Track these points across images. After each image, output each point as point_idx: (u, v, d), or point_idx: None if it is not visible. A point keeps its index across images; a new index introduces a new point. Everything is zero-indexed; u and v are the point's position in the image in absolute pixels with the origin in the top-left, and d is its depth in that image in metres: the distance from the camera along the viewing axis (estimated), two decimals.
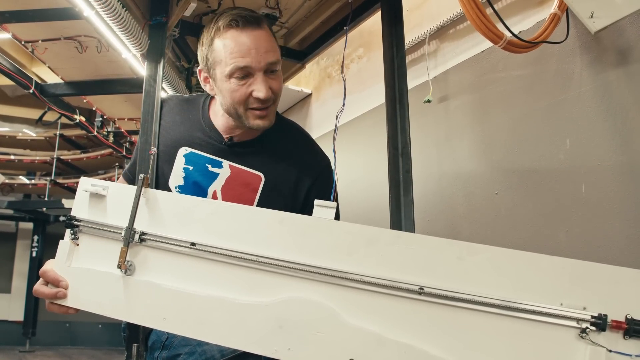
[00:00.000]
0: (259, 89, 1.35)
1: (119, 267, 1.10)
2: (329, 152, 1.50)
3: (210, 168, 1.46)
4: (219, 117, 1.50)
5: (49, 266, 1.19)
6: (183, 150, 1.49)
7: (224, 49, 1.36)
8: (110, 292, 1.13)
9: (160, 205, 1.15)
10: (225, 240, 1.09)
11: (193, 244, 1.10)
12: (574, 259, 0.95)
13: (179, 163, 1.49)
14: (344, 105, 1.47)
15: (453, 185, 2.45)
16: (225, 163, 1.47)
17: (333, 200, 1.14)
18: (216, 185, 1.45)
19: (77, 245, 1.19)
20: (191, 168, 1.47)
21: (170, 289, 1.09)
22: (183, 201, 1.18)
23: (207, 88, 1.48)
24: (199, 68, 1.47)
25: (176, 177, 1.48)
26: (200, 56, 1.45)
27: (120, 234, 1.13)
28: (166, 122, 1.56)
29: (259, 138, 1.50)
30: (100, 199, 1.18)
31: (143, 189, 1.14)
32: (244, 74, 1.35)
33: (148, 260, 1.13)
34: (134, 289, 1.11)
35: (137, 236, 1.11)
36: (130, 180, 1.62)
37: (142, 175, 1.13)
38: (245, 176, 1.46)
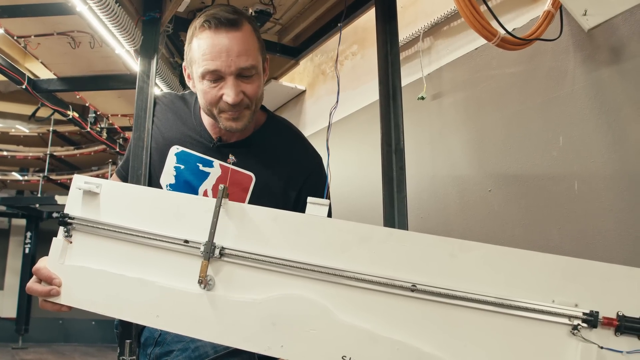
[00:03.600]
0: (228, 94, 1.33)
1: (200, 282, 1.05)
2: (322, 149, 1.50)
3: (201, 167, 1.46)
4: (206, 117, 1.49)
5: (42, 264, 1.19)
6: (174, 149, 1.49)
7: (198, 50, 1.34)
8: (103, 290, 1.13)
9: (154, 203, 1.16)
10: (218, 237, 1.08)
11: (186, 241, 1.10)
12: (566, 256, 0.95)
13: (171, 161, 1.48)
14: (337, 102, 1.47)
15: (446, 183, 2.46)
16: (216, 162, 1.46)
17: (325, 198, 1.14)
18: (207, 185, 1.45)
19: (71, 242, 1.18)
20: (182, 167, 1.47)
21: (164, 286, 1.09)
22: (175, 199, 1.17)
23: (190, 85, 1.46)
24: (183, 64, 1.46)
25: (167, 175, 1.48)
26: (185, 52, 1.44)
27: (117, 231, 1.13)
28: (159, 119, 1.56)
29: (249, 138, 1.49)
30: (93, 196, 1.18)
31: (142, 186, 1.13)
32: (215, 77, 1.33)
33: (149, 257, 1.13)
34: (127, 286, 1.11)
35: (217, 251, 1.07)
36: (124, 177, 1.62)
37: (222, 186, 1.09)
38: (236, 175, 1.45)
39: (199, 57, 1.33)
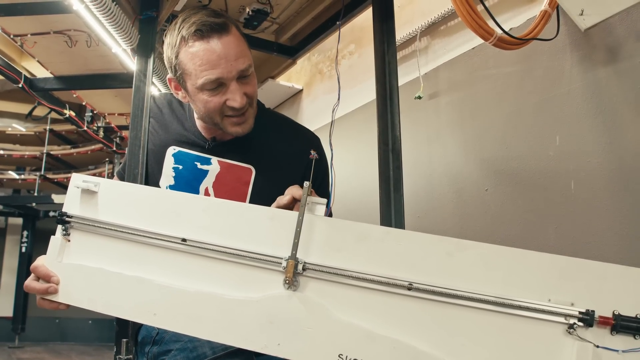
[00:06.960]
0: (234, 99, 1.32)
1: (286, 282, 1.03)
2: (324, 148, 1.50)
3: (199, 166, 1.45)
4: (199, 120, 1.49)
5: (40, 262, 1.19)
6: (171, 150, 1.49)
7: (191, 62, 1.31)
8: (101, 288, 1.13)
9: (147, 202, 1.16)
10: (215, 236, 1.09)
11: (184, 240, 1.10)
12: (563, 255, 0.95)
13: (169, 163, 1.48)
14: (339, 99, 1.46)
15: (443, 182, 2.46)
16: (214, 159, 1.46)
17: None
18: (207, 182, 1.44)
19: (69, 241, 1.19)
20: (180, 167, 1.46)
21: (161, 284, 1.09)
22: (173, 197, 1.17)
23: (179, 96, 1.45)
24: (168, 77, 1.44)
25: (167, 177, 1.47)
26: (167, 64, 1.41)
27: (114, 230, 1.14)
28: (156, 121, 1.56)
29: None
30: (91, 195, 1.18)
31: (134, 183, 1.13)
32: (216, 85, 1.32)
33: (147, 256, 1.13)
34: (125, 284, 1.11)
35: (301, 267, 1.03)
36: (124, 178, 1.61)
37: (307, 183, 1.06)
38: (235, 170, 1.45)
39: (195, 69, 1.31)
